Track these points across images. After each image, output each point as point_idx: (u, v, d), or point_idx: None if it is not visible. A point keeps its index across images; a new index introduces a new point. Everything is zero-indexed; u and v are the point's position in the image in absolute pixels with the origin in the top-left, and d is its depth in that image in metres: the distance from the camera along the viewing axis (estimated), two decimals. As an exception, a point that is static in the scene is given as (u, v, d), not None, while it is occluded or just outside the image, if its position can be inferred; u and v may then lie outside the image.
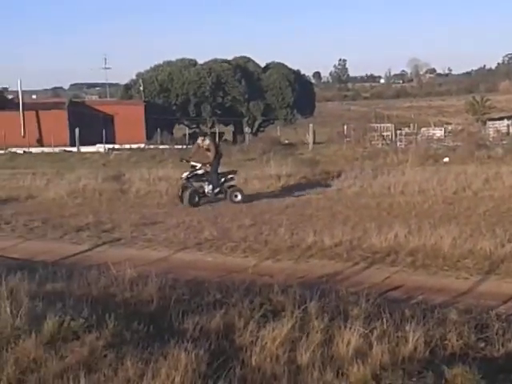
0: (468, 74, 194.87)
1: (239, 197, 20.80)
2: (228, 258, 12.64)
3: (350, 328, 6.98)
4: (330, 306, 8.12)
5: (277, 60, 74.78)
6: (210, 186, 20.60)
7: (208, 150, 20.94)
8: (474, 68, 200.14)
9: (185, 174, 20.71)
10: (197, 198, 20.31)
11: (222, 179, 20.93)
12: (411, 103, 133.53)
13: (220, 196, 20.89)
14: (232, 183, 21.35)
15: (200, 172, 20.63)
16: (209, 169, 20.59)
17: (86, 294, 8.60)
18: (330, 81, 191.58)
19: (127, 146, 51.41)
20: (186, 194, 20.16)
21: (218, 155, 21.10)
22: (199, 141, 21.64)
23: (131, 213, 18.68)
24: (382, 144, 46.81)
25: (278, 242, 13.66)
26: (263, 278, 10.41)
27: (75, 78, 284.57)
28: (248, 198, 20.91)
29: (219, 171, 21.03)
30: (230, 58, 71.88)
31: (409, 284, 10.32)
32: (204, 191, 20.65)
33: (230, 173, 21.66)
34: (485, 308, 8.32)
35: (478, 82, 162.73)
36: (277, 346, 6.77)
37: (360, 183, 23.46)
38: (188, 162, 21.17)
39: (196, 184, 20.50)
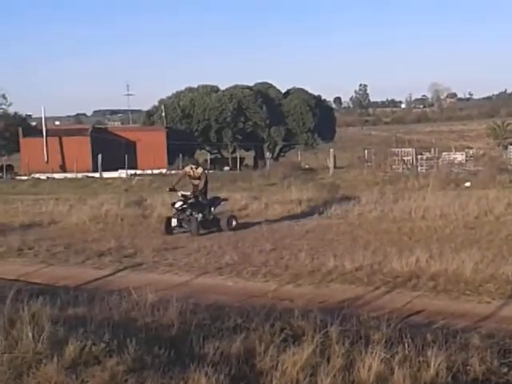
0: (489, 98, 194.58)
1: (234, 223, 20.50)
2: (249, 283, 12.63)
3: (372, 353, 6.92)
4: (351, 331, 8.04)
5: (298, 85, 75.21)
6: (201, 215, 20.17)
7: (198, 178, 20.56)
8: (495, 92, 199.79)
9: (178, 204, 20.16)
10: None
11: (212, 208, 20.66)
12: (432, 128, 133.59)
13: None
14: (220, 209, 21.23)
15: (193, 201, 20.21)
16: (192, 197, 20.25)
17: (107, 319, 8.61)
18: (351, 106, 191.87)
19: (149, 172, 51.77)
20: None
21: (207, 183, 20.83)
22: (188, 168, 21.28)
23: (153, 238, 18.79)
24: (403, 169, 46.75)
25: (299, 266, 13.63)
26: (284, 303, 10.39)
27: (98, 105, 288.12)
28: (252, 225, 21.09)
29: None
30: (251, 84, 72.46)
31: (430, 309, 10.24)
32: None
33: (217, 199, 21.44)
34: (508, 333, 8.23)
35: (499, 106, 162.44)
36: (297, 371, 6.73)
37: (381, 208, 23.37)
38: (175, 190, 20.82)
39: (188, 213, 20.03)
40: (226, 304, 10.24)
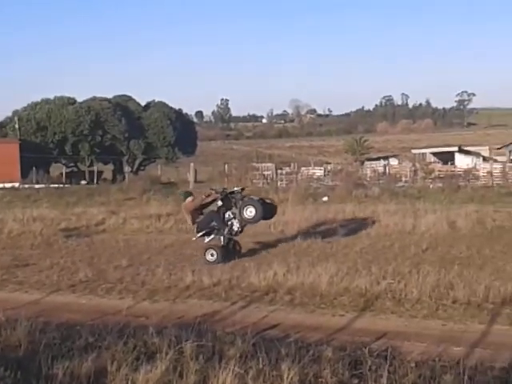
0: (347, 114, 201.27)
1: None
2: (103, 300, 12.36)
3: (226, 368, 6.89)
4: (207, 347, 7.98)
5: (158, 99, 74.81)
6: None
7: None
8: (353, 109, 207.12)
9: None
10: None
11: None
12: (293, 143, 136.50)
13: None
14: None
15: None
16: None
17: None
18: (213, 120, 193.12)
19: (0, 186, 49.82)
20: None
21: None
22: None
23: (2, 255, 18.05)
24: (263, 183, 47.40)
25: (156, 282, 13.48)
26: (139, 320, 10.20)
27: None
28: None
29: None
30: (109, 96, 71.30)
31: (286, 322, 10.30)
32: None
33: None
34: (359, 344, 8.38)
35: (357, 122, 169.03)
36: None
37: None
38: None
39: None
40: (79, 322, 9.95)
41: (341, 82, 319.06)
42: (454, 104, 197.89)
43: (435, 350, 8.45)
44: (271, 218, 18.24)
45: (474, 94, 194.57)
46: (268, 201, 17.94)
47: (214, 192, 17.51)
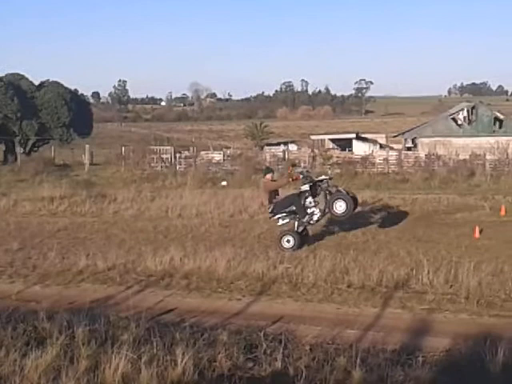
0: (247, 99, 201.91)
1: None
2: (-8, 284, 11.94)
3: (118, 353, 6.82)
4: (99, 332, 7.84)
5: (52, 78, 72.75)
6: None
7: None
8: (253, 94, 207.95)
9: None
10: None
11: None
12: (192, 127, 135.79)
13: None
14: None
15: None
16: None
17: None
18: (110, 101, 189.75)
19: None
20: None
21: None
22: None
23: None
24: (162, 167, 46.94)
25: (48, 266, 13.17)
26: (29, 305, 9.91)
27: None
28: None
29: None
30: (1, 74, 68.85)
31: (182, 307, 10.27)
32: None
33: None
34: (255, 328, 8.42)
35: (257, 107, 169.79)
36: (39, 375, 6.54)
37: (137, 206, 23.19)
38: None
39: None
40: (-34, 307, 9.55)
41: (241, 66, 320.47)
42: (353, 92, 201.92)
43: (330, 333, 8.59)
44: (354, 211, 16.87)
45: (371, 83, 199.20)
46: (351, 194, 16.82)
47: (301, 176, 16.61)
